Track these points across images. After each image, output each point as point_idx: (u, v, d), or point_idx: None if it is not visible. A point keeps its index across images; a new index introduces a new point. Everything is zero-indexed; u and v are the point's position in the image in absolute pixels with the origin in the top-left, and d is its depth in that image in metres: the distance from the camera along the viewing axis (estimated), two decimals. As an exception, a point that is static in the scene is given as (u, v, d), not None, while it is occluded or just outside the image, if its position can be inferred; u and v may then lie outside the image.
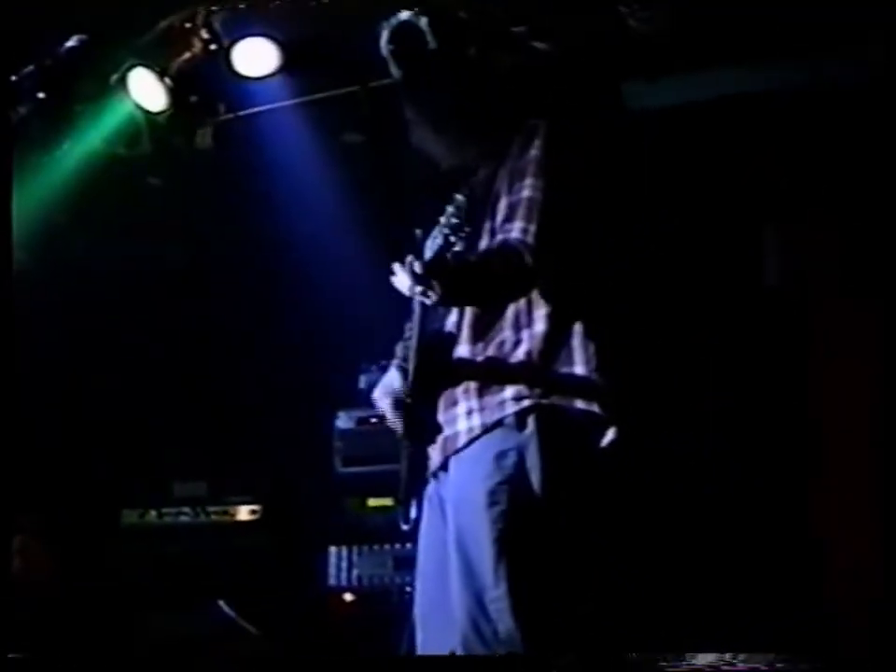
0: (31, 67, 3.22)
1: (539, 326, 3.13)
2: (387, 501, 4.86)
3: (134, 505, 5.25)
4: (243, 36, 4.78)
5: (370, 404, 4.96)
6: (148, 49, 5.03)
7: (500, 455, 3.05)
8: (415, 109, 3.43)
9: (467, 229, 2.97)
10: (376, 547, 4.86)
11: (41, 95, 3.13)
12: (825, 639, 4.38)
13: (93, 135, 5.34)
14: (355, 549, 4.89)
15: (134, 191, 5.65)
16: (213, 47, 4.79)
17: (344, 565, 4.88)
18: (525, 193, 3.15)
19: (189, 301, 5.71)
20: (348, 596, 4.86)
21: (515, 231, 3.10)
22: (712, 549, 4.79)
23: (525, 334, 3.13)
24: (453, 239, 2.97)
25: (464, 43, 3.97)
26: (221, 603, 4.83)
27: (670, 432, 4.93)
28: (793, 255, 5.14)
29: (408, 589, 4.68)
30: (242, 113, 5.29)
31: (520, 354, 3.12)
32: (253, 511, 5.14)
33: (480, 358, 3.17)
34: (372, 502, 4.93)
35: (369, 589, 4.86)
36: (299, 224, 5.22)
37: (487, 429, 3.09)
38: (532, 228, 3.10)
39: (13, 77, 3.20)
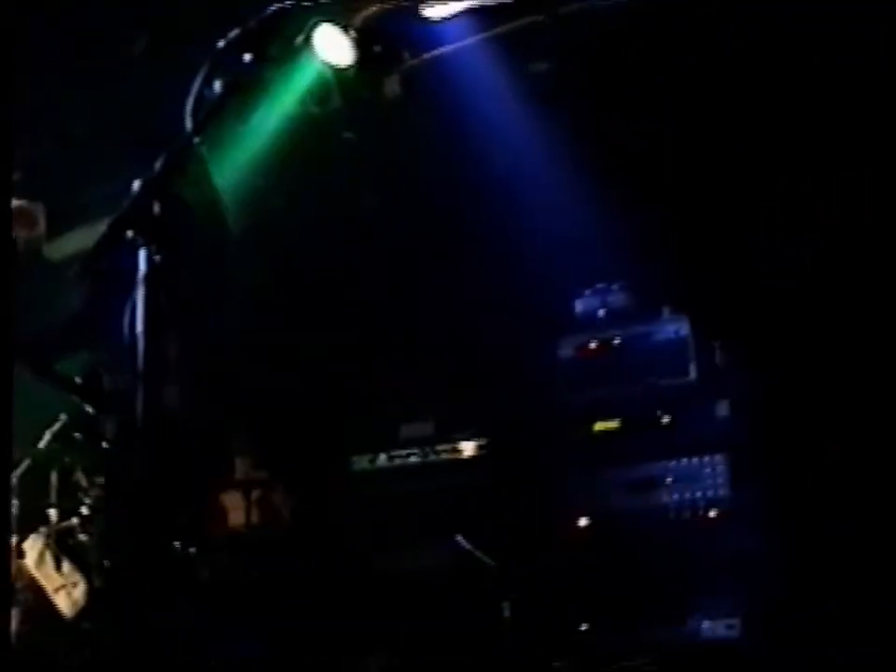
0: (236, 31, 3.29)
1: None
2: (614, 424, 4.88)
3: (364, 451, 5.39)
4: (429, -19, 4.80)
5: (588, 329, 5.05)
6: (331, 6, 5.10)
7: None
8: None
9: None
10: (607, 470, 4.87)
11: (247, 57, 3.19)
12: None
13: (286, 98, 5.46)
14: (586, 474, 4.90)
15: (331, 148, 5.79)
16: (401, -4, 4.82)
17: (576, 491, 4.90)
18: None
19: (393, 244, 5.80)
20: (583, 522, 4.87)
21: None
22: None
23: None
24: None
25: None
26: (459, 537, 4.92)
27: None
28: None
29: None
30: (427, 56, 5.32)
31: None
32: (480, 447, 5.21)
33: None
34: (599, 426, 4.94)
35: (603, 514, 4.86)
36: (497, 156, 5.25)
37: None
38: None
39: (219, 43, 3.28)
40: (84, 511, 5.99)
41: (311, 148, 5.73)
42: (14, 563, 5.98)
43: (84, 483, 6.15)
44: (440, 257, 5.67)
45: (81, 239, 6.87)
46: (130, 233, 2.81)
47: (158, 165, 2.95)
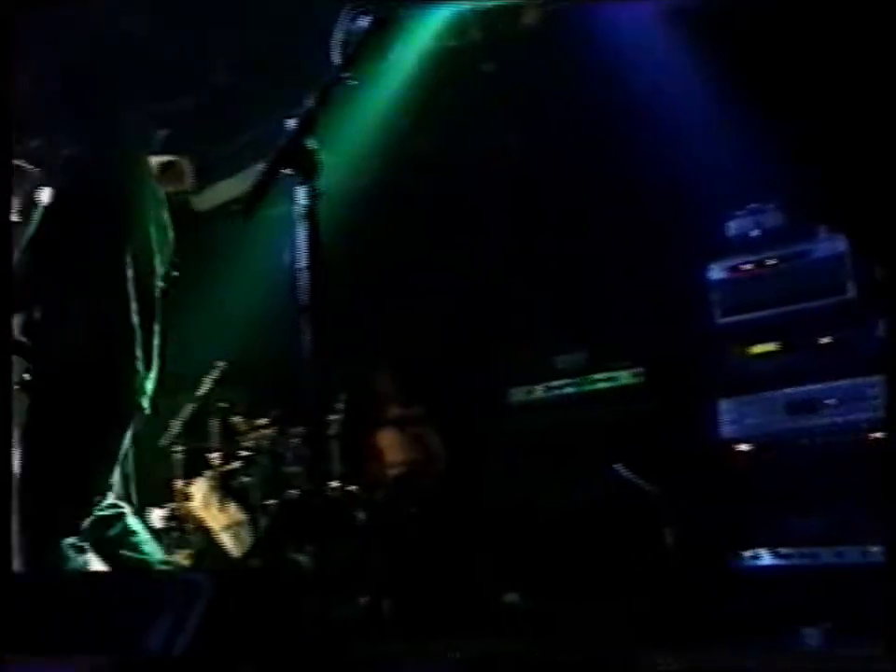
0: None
1: None
2: (772, 346, 4.79)
3: (521, 383, 5.39)
4: None
5: (742, 250, 4.95)
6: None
7: None
8: None
9: None
10: (766, 394, 4.77)
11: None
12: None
13: (423, 34, 5.45)
14: (744, 398, 4.82)
15: (467, 81, 5.77)
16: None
17: (735, 415, 4.83)
18: None
19: (537, 175, 5.76)
20: (743, 447, 4.80)
21: None
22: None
23: None
24: None
25: None
26: (618, 466, 4.90)
27: None
28: None
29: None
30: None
31: None
32: (636, 374, 5.17)
33: None
34: (757, 349, 4.83)
35: (763, 437, 4.77)
36: (642, 79, 5.15)
37: None
38: None
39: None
40: (245, 453, 6.18)
41: (449, 83, 5.72)
42: (182, 506, 6.21)
43: (243, 426, 6.34)
44: (588, 185, 5.60)
45: (227, 188, 7.01)
46: (288, 170, 2.84)
47: (309, 102, 2.97)
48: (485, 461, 5.48)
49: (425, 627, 4.97)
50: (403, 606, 5.21)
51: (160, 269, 4.28)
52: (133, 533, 4.01)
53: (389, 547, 5.49)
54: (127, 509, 4.03)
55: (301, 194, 2.82)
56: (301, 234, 2.79)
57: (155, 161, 6.91)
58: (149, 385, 4.11)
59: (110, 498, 3.98)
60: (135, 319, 4.05)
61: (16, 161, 6.70)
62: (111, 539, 3.96)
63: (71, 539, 3.84)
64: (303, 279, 2.78)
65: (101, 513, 3.95)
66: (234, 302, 6.52)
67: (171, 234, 4.40)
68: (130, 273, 4.10)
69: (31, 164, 6.83)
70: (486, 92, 5.76)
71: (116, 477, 4.03)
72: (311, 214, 2.79)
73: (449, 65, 5.59)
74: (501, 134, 5.94)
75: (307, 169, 2.84)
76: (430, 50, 5.54)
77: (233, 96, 6.44)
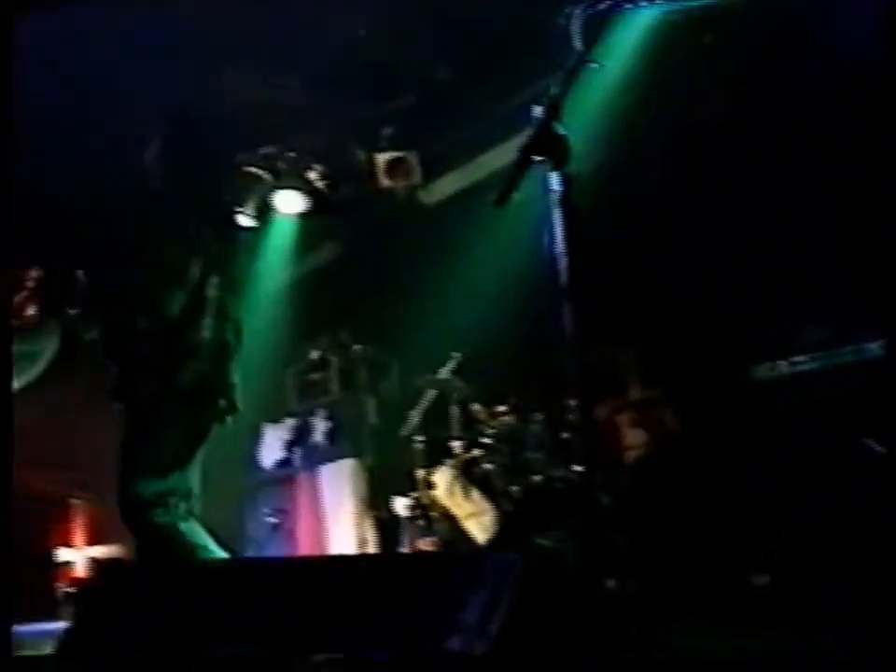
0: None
1: None
2: None
3: (762, 358, 5.27)
4: None
5: None
6: None
7: None
8: None
9: None
10: None
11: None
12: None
13: (645, 11, 5.42)
14: None
15: (689, 54, 5.71)
16: None
17: None
18: None
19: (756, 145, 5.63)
20: None
21: None
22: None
23: None
24: None
25: None
26: (869, 441, 4.75)
27: None
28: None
29: None
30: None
31: None
32: (885, 346, 4.96)
33: None
34: None
35: None
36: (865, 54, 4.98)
37: None
38: None
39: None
40: (486, 441, 6.25)
41: (672, 56, 5.67)
42: (426, 494, 6.34)
43: (482, 414, 6.41)
44: (824, 152, 5.43)
45: (454, 181, 7.12)
46: (538, 157, 2.87)
47: (554, 88, 2.99)
48: (728, 441, 5.38)
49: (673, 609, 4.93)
50: (650, 588, 5.18)
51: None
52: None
53: (633, 530, 5.46)
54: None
55: (553, 180, 2.85)
56: (557, 220, 2.82)
57: (383, 157, 7.12)
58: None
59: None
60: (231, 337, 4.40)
61: (249, 168, 7.03)
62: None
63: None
64: (562, 264, 2.80)
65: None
66: (469, 292, 6.60)
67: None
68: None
69: (264, 171, 7.15)
70: (708, 66, 5.68)
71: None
72: (565, 199, 2.82)
73: (671, 39, 5.55)
74: (731, 107, 5.81)
75: (558, 155, 2.86)
76: (652, 26, 5.52)
77: (455, 90, 6.52)
